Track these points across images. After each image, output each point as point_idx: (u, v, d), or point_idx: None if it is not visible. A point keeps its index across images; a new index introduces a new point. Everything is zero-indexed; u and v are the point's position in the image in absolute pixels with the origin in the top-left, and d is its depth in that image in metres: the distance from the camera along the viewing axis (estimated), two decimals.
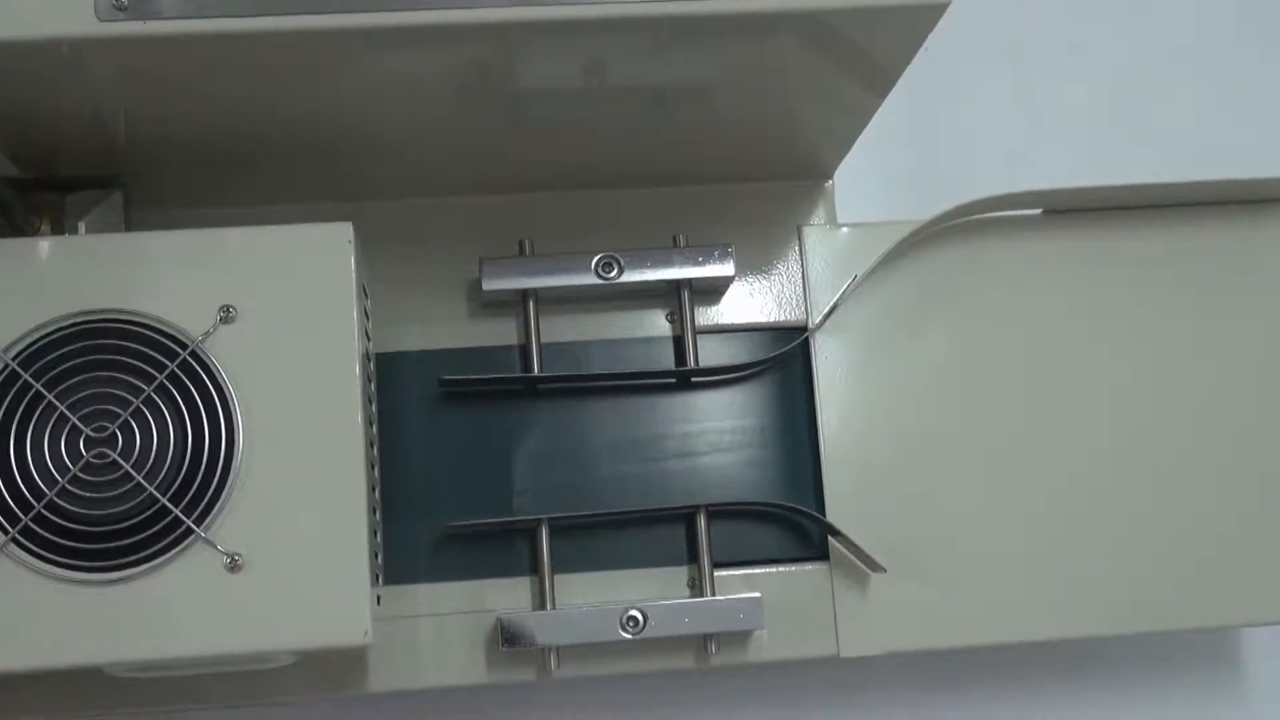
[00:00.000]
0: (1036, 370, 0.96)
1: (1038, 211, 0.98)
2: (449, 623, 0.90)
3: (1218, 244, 0.98)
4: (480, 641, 0.90)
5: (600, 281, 0.93)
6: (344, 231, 0.79)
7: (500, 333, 0.95)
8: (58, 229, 0.86)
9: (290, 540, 0.76)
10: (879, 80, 0.85)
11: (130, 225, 0.89)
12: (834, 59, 0.82)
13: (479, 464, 0.93)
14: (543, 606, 0.90)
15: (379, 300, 0.89)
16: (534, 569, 0.91)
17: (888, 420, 0.95)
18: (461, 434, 0.93)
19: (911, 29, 0.77)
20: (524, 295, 0.93)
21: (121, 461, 0.74)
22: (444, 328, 0.95)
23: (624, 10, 0.73)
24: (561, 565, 0.91)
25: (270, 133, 0.85)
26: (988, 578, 0.93)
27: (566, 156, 0.95)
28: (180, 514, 0.74)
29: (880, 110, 0.89)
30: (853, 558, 0.92)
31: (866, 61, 0.82)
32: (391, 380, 0.90)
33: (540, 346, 0.93)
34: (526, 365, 0.94)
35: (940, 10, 0.75)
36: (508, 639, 0.88)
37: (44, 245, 0.80)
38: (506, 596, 0.91)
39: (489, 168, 0.95)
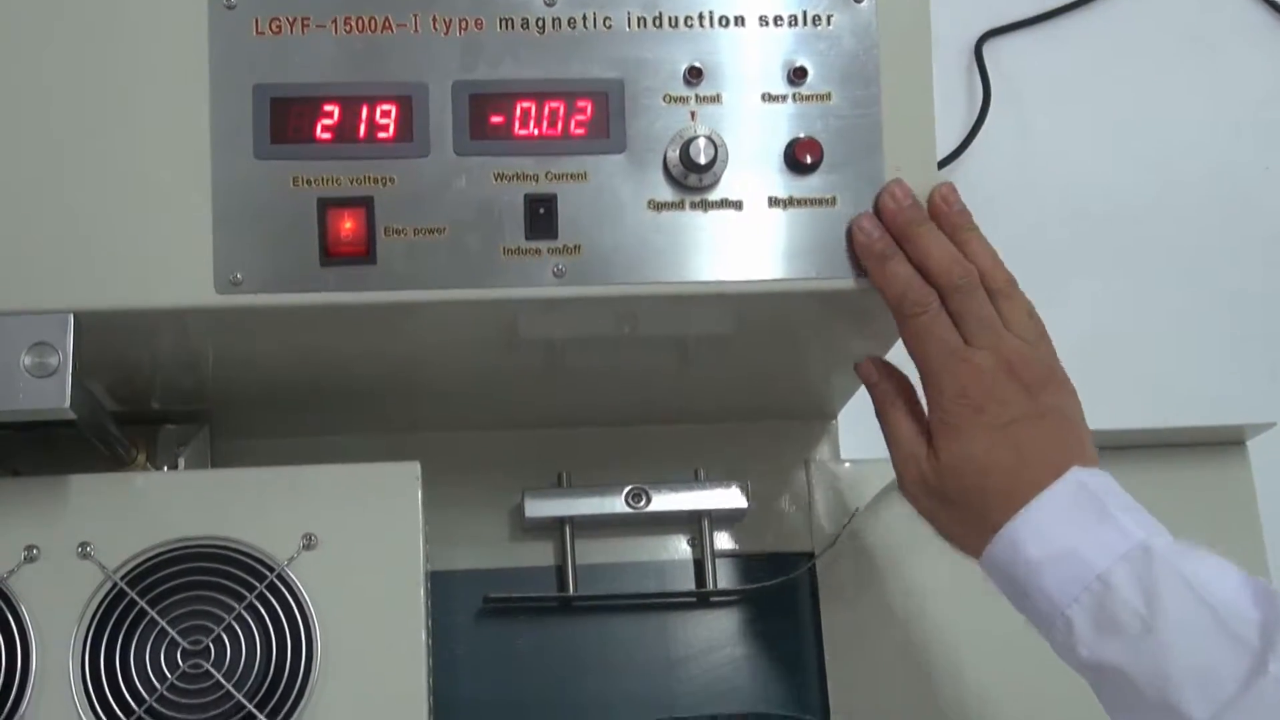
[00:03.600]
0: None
1: None
2: None
3: (1181, 481, 1.02)
4: None
5: (630, 510, 0.98)
6: (412, 470, 0.84)
7: (540, 554, 0.99)
8: (152, 458, 0.93)
9: None
10: (883, 338, 0.88)
11: (215, 454, 0.95)
12: (840, 322, 0.88)
13: (518, 673, 0.96)
14: None
15: (432, 523, 0.92)
16: None
17: (888, 634, 0.98)
18: (503, 646, 0.97)
19: None
20: (562, 521, 0.98)
21: (214, 672, 0.79)
22: (489, 549, 0.99)
23: (653, 290, 0.80)
24: None
25: (339, 377, 0.91)
26: None
27: (600, 398, 1.00)
28: (263, 718, 0.79)
29: None
30: None
31: (872, 325, 0.86)
32: (442, 596, 0.92)
33: (576, 568, 0.98)
34: (563, 585, 0.98)
35: None
36: None
37: (149, 478, 0.87)
38: None
39: (531, 407, 1.00)
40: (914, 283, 0.79)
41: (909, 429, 0.81)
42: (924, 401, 0.82)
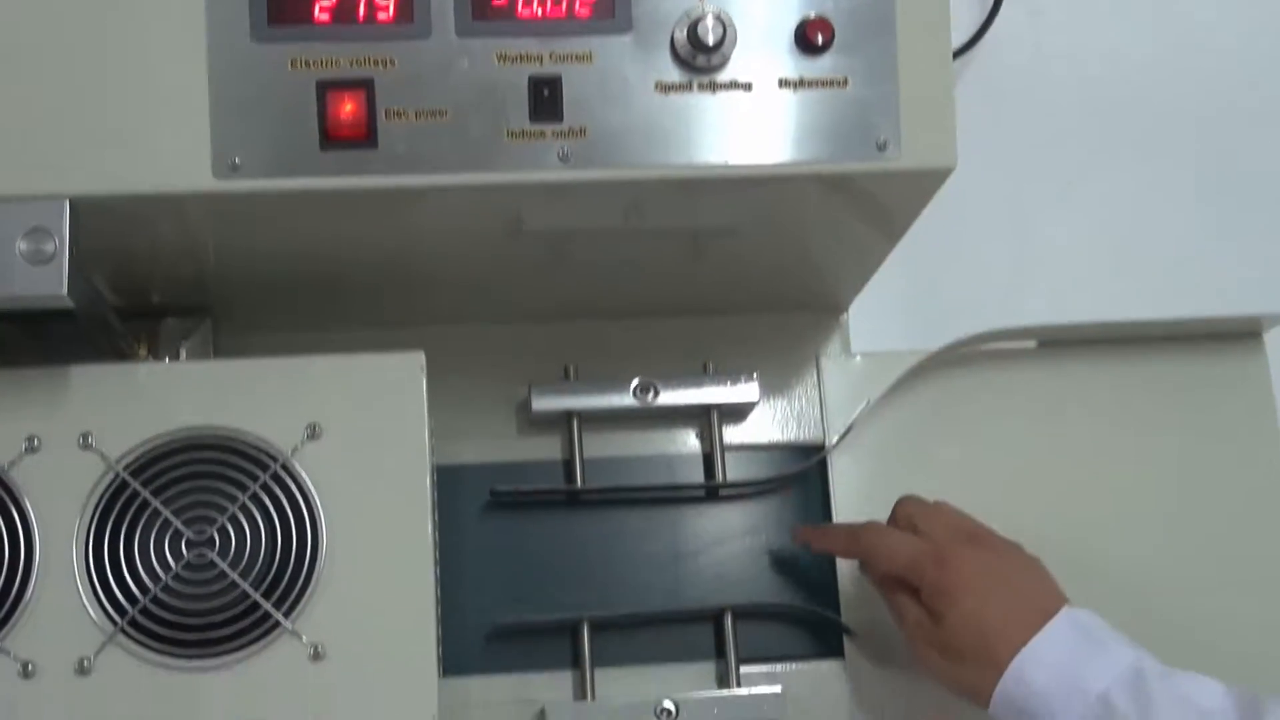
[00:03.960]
0: (1033, 489, 0.99)
1: (1032, 344, 1.03)
2: (498, 712, 0.94)
3: (1196, 374, 1.02)
4: None
5: (638, 404, 0.98)
6: (416, 360, 0.83)
7: (546, 448, 0.99)
8: (155, 351, 0.93)
9: (366, 633, 0.80)
10: (891, 228, 0.90)
11: (218, 347, 0.95)
12: (850, 211, 0.86)
13: (526, 567, 0.97)
14: (584, 698, 0.94)
15: (438, 417, 0.92)
16: (575, 663, 0.95)
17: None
18: (510, 540, 0.97)
19: (921, 187, 0.82)
20: (568, 415, 0.98)
21: (219, 561, 0.80)
22: (496, 443, 0.99)
23: (661, 174, 0.79)
24: (601, 660, 0.95)
25: (342, 268, 0.90)
26: None
27: (607, 290, 0.99)
28: (271, 609, 0.79)
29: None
30: (867, 655, 0.96)
31: (880, 213, 0.87)
32: (448, 490, 0.94)
33: (583, 462, 0.98)
34: (570, 478, 0.98)
35: (947, 173, 0.80)
36: None
37: (151, 369, 0.87)
38: (550, 688, 0.95)
39: (538, 300, 1.00)
40: (857, 525, 0.93)
41: (912, 605, 0.89)
42: None
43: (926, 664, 0.88)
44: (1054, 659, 0.82)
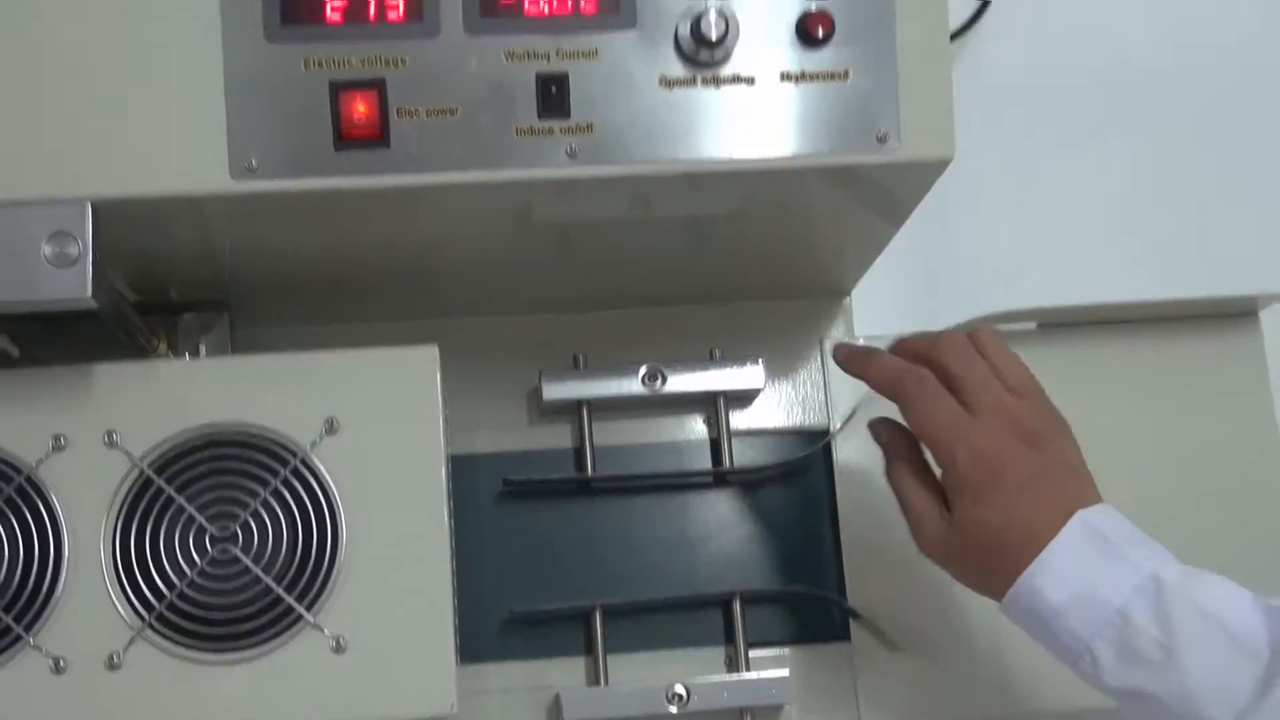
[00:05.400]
0: None
1: (1032, 326, 1.03)
2: (514, 698, 0.96)
3: (1194, 353, 1.03)
4: (542, 715, 0.96)
5: (646, 391, 0.99)
6: (430, 353, 0.84)
7: (558, 437, 1.00)
8: (174, 347, 0.94)
9: (386, 623, 0.81)
10: (893, 216, 0.90)
11: (235, 341, 0.96)
12: (852, 200, 0.87)
13: (539, 554, 0.98)
14: (597, 683, 0.95)
15: (451, 408, 0.93)
16: (589, 649, 0.96)
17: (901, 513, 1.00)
18: (524, 528, 0.98)
19: (921, 177, 0.83)
20: (579, 404, 0.99)
21: (242, 556, 0.81)
22: (508, 433, 1.00)
23: (667, 168, 0.80)
24: (613, 646, 0.96)
25: (357, 263, 0.91)
26: (997, 654, 0.97)
27: (614, 280, 1.00)
28: (293, 602, 0.80)
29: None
30: (872, 638, 0.97)
31: (882, 202, 0.88)
32: (462, 479, 0.93)
33: (593, 450, 0.99)
34: (581, 466, 0.99)
35: (946, 163, 0.80)
36: (567, 713, 0.94)
37: (172, 366, 0.88)
38: (565, 674, 0.96)
39: (547, 291, 1.01)
40: (904, 367, 0.84)
41: (920, 491, 0.84)
42: (932, 463, 0.85)
43: (930, 557, 0.84)
44: (1068, 570, 0.77)
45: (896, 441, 0.87)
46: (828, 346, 1.03)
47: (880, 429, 0.89)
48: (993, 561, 0.80)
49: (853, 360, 0.89)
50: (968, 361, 0.83)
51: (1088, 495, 0.80)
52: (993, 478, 0.79)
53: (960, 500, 0.81)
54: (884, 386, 0.85)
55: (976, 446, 0.80)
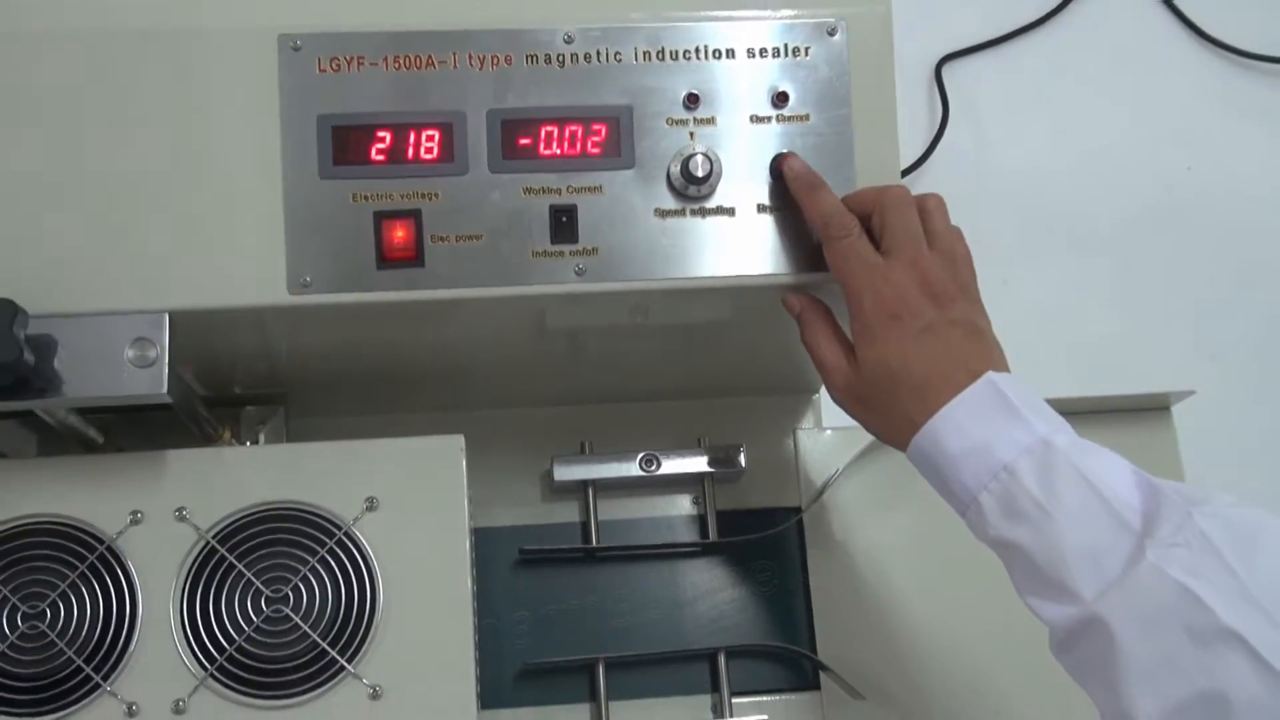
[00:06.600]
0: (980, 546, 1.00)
1: None
2: None
3: (1115, 443, 0.95)
4: None
5: (643, 473, 0.99)
6: (457, 442, 0.85)
7: (567, 513, 1.00)
8: (236, 435, 0.95)
9: (417, 673, 0.81)
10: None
11: (290, 430, 0.97)
12: None
13: (550, 614, 0.97)
14: None
15: (474, 487, 0.91)
16: (593, 697, 0.95)
17: (866, 578, 0.99)
18: (537, 591, 0.98)
19: None
20: (585, 484, 0.99)
21: (293, 615, 0.81)
22: (524, 509, 1.00)
23: (660, 285, 0.82)
24: (615, 694, 0.95)
25: (395, 364, 0.93)
26: (949, 702, 0.96)
27: (616, 378, 1.01)
28: (336, 655, 0.81)
29: None
30: (839, 688, 0.96)
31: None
32: (483, 548, 0.94)
33: (598, 523, 0.99)
34: (587, 538, 0.99)
35: None
36: None
37: (235, 452, 0.89)
38: (572, 719, 0.95)
39: (558, 386, 1.01)
40: (838, 208, 0.79)
41: (831, 345, 0.80)
42: (844, 325, 0.82)
43: (843, 408, 0.80)
44: (968, 424, 0.73)
45: (809, 308, 0.83)
46: (800, 436, 1.04)
47: (793, 301, 0.84)
48: (895, 408, 0.75)
49: (798, 183, 0.81)
50: (903, 214, 0.78)
51: (994, 360, 0.76)
52: (892, 320, 0.76)
53: (861, 342, 0.77)
54: (814, 220, 0.80)
55: (881, 291, 0.76)
